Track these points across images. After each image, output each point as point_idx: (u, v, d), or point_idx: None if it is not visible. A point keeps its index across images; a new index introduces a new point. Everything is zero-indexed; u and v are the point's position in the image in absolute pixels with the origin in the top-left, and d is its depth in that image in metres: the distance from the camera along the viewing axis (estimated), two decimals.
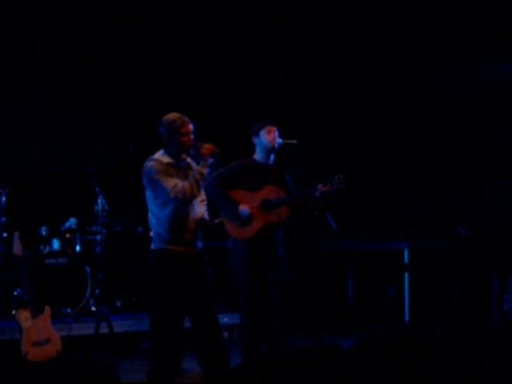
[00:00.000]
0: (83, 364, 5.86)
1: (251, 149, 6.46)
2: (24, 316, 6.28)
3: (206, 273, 5.43)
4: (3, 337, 6.79)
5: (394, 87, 10.01)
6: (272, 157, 6.38)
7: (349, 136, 10.31)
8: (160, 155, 5.38)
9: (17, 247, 6.48)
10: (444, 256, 9.07)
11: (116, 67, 9.93)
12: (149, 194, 5.36)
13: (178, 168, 5.37)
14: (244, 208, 6.14)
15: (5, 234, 7.99)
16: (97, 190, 8.21)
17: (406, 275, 8.87)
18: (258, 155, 6.39)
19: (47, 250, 8.04)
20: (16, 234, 6.50)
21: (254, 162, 6.36)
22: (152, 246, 5.43)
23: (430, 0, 9.41)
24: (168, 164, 5.32)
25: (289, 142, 6.29)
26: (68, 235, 8.26)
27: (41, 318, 6.29)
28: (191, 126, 5.36)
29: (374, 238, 9.18)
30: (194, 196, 5.26)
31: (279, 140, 6.29)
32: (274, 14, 9.73)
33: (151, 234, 5.46)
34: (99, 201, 8.24)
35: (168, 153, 5.37)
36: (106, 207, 8.27)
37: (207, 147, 5.31)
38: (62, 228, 8.22)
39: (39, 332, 6.21)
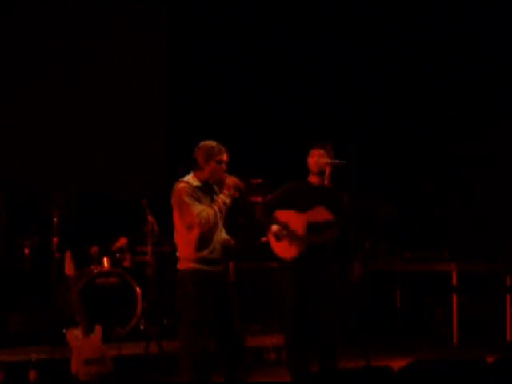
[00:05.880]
0: None
1: None
2: (75, 335, 6.37)
3: (230, 291, 5.64)
4: (55, 355, 6.86)
5: None
6: (324, 177, 6.30)
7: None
8: (190, 178, 5.59)
9: (68, 267, 6.59)
10: (493, 277, 8.97)
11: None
12: (176, 215, 5.54)
13: (206, 192, 5.56)
14: (274, 228, 6.12)
15: (57, 254, 8.12)
16: (147, 211, 8.28)
17: (455, 297, 8.76)
18: (310, 176, 6.36)
19: (98, 269, 8.16)
20: (68, 253, 6.61)
21: (306, 183, 6.33)
22: (180, 266, 5.60)
23: None
24: (197, 187, 5.52)
25: (336, 162, 6.26)
26: (118, 255, 8.38)
27: (91, 337, 6.37)
28: (227, 156, 5.57)
29: (422, 259, 9.14)
30: (215, 223, 5.48)
31: (327, 161, 6.23)
32: None
33: (177, 253, 5.63)
34: (149, 222, 8.31)
35: (198, 176, 5.57)
36: (156, 228, 8.33)
37: (232, 179, 5.53)
38: (113, 248, 8.34)
39: (90, 351, 6.28)
